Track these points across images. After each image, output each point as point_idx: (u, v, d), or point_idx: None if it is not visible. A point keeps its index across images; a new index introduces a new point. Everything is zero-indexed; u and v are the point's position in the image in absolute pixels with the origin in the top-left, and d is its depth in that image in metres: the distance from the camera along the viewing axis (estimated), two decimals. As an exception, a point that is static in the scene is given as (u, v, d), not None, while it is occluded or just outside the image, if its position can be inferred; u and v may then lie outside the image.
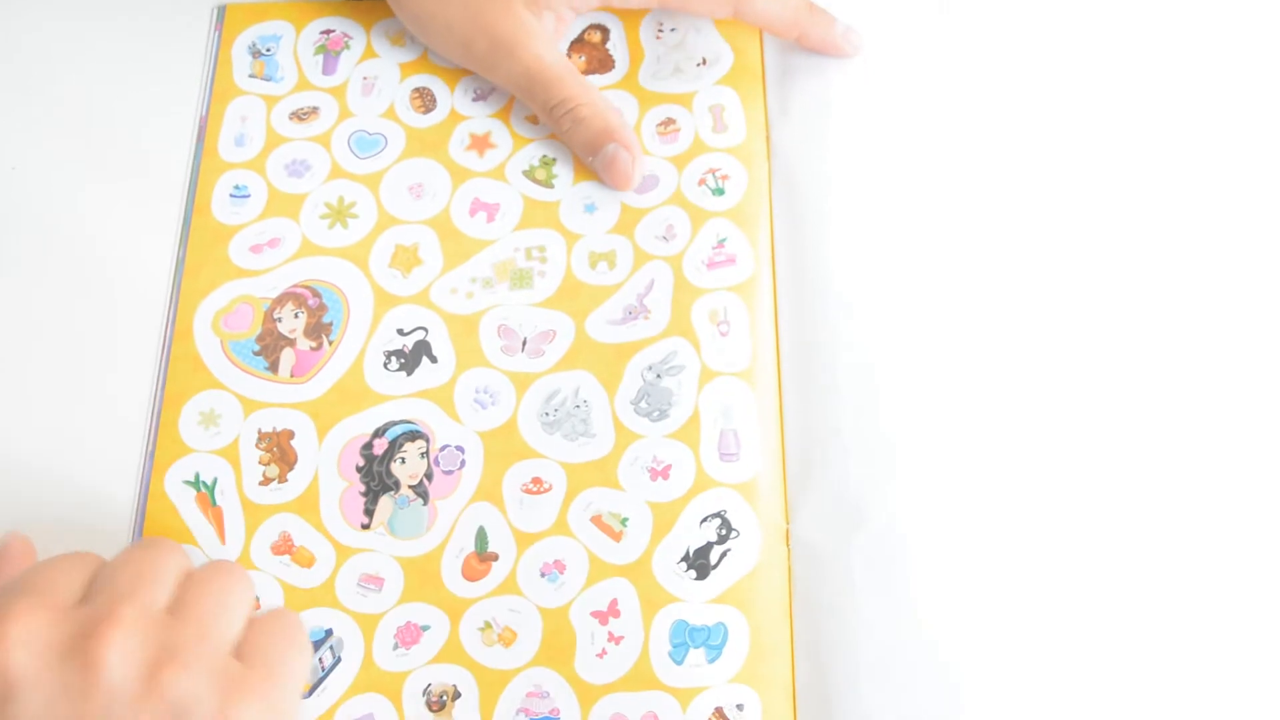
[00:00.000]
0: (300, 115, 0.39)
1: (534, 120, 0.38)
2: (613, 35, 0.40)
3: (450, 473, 0.34)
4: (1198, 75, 0.38)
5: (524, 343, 0.35)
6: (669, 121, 0.38)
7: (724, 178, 0.37)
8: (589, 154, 0.37)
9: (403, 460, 0.34)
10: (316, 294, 0.36)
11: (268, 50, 0.40)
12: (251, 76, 0.39)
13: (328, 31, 0.40)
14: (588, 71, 0.39)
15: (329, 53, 0.40)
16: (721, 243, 0.36)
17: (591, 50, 0.39)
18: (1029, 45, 0.39)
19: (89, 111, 0.39)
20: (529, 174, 0.38)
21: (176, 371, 0.35)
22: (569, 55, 0.39)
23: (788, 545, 0.33)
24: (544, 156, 0.38)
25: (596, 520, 0.33)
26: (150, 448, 0.34)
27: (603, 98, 0.37)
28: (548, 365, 0.35)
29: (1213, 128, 0.37)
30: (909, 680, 0.31)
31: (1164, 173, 0.37)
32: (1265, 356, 0.34)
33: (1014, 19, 0.39)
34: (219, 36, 0.40)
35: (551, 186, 0.37)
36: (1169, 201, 0.37)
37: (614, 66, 0.39)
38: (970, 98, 0.38)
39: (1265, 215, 0.36)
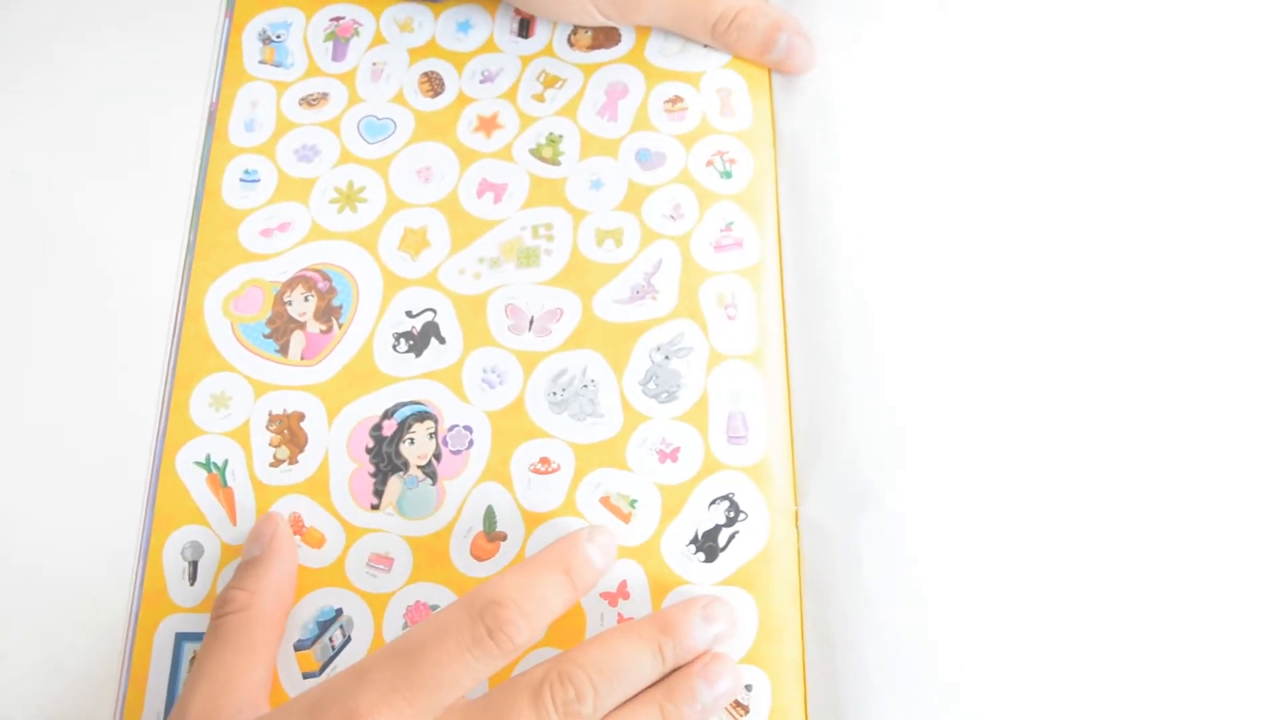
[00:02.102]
0: (310, 101, 0.39)
1: (540, 98, 0.38)
2: None
3: (458, 453, 0.34)
4: (1199, 63, 0.38)
5: (531, 321, 0.35)
6: (676, 99, 0.38)
7: (731, 161, 0.37)
8: (764, 54, 0.38)
9: (411, 441, 0.34)
10: (326, 277, 0.36)
11: (278, 37, 0.40)
12: (262, 63, 0.40)
13: (337, 18, 0.40)
14: (594, 46, 0.39)
15: (339, 39, 0.40)
16: (729, 226, 0.36)
17: (598, 25, 0.39)
18: (1029, 37, 0.38)
19: (100, 98, 0.39)
20: (536, 152, 0.38)
21: (187, 354, 0.35)
22: (574, 31, 0.39)
23: (797, 527, 0.33)
24: (550, 134, 0.38)
25: (605, 501, 0.33)
26: (161, 429, 0.35)
27: None
28: (555, 344, 0.35)
29: (1215, 112, 0.37)
30: (917, 661, 0.31)
31: (1165, 161, 0.36)
32: (1272, 340, 0.34)
33: (1014, 13, 0.39)
34: (229, 23, 0.40)
35: (558, 163, 0.37)
36: (1170, 187, 0.36)
37: (620, 41, 0.39)
38: (972, 88, 0.38)
39: (1271, 204, 0.36)
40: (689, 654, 0.30)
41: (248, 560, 0.32)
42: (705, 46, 0.39)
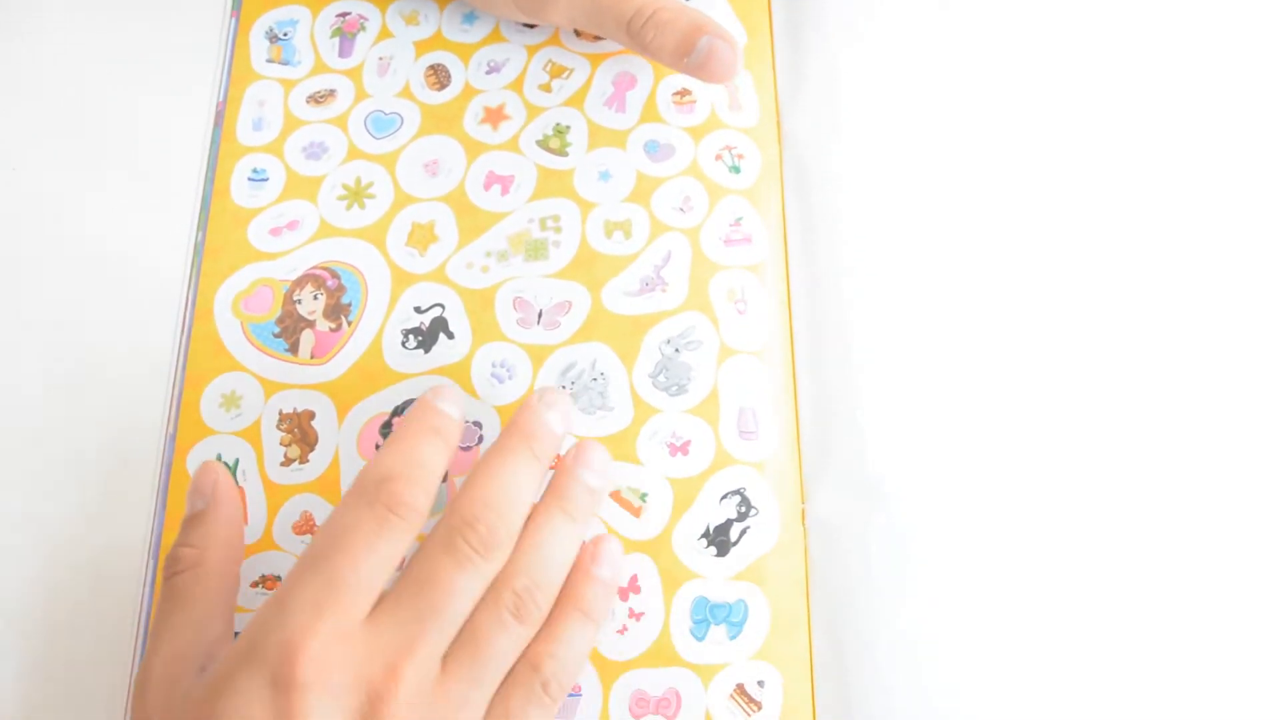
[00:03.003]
0: (317, 98, 0.39)
1: (547, 89, 0.38)
2: None
3: (468, 449, 0.34)
4: (1200, 57, 0.38)
5: (540, 315, 0.35)
6: (685, 92, 0.38)
7: (740, 156, 0.37)
8: (682, 56, 0.34)
9: (420, 437, 0.34)
10: (335, 275, 0.36)
11: (285, 35, 0.40)
12: (269, 61, 0.40)
13: (344, 14, 0.40)
14: (601, 36, 0.39)
15: (345, 35, 0.40)
16: (738, 221, 0.36)
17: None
18: (1031, 34, 0.38)
19: (108, 98, 0.39)
20: (543, 143, 0.37)
21: (197, 354, 0.35)
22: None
23: (804, 525, 0.33)
24: (557, 125, 0.38)
25: (615, 495, 0.33)
26: (172, 430, 0.34)
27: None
28: (564, 337, 0.35)
29: (1214, 108, 0.37)
30: (924, 659, 0.31)
31: (1167, 156, 0.36)
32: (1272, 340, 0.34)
33: (1015, 10, 0.39)
34: (236, 22, 0.40)
35: (565, 155, 0.37)
36: (1172, 178, 0.36)
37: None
38: (975, 85, 0.38)
39: (1271, 204, 0.36)
40: (555, 444, 0.31)
41: (192, 515, 0.31)
42: None
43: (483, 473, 0.29)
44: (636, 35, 0.35)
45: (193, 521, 0.30)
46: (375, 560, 0.27)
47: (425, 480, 0.28)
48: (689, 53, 0.34)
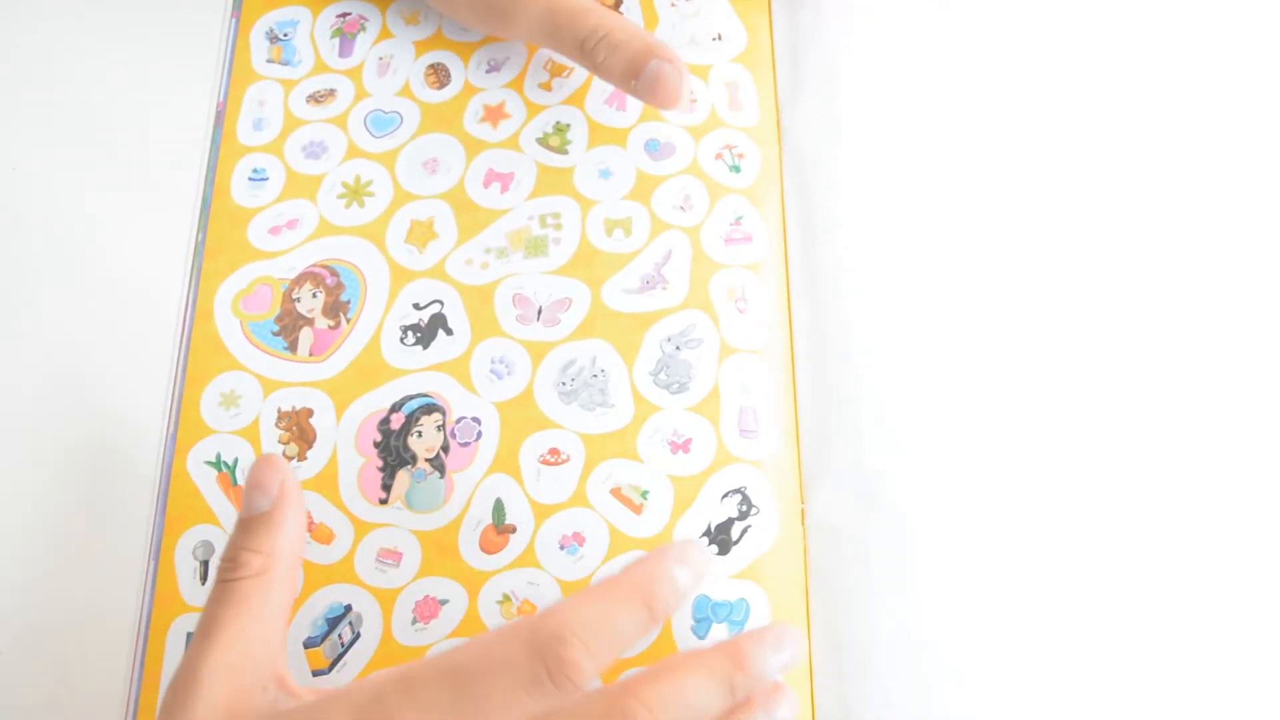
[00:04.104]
0: (317, 98, 0.39)
1: (547, 87, 0.38)
2: (626, 0, 0.39)
3: (467, 445, 0.34)
4: (1194, 59, 0.38)
5: (539, 311, 0.35)
6: (685, 93, 0.38)
7: (740, 156, 0.37)
8: (631, 78, 0.35)
9: (419, 434, 0.34)
10: (334, 273, 0.36)
11: (285, 35, 0.40)
12: (269, 61, 0.40)
13: (344, 15, 0.40)
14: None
15: (345, 35, 0.40)
16: (738, 220, 0.36)
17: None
18: (1030, 34, 0.38)
19: (108, 99, 0.39)
20: (542, 141, 0.37)
21: (197, 353, 0.35)
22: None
23: (803, 524, 0.33)
24: (557, 123, 0.38)
25: (616, 493, 0.33)
26: (172, 429, 0.34)
27: (632, 21, 0.36)
28: (564, 334, 0.35)
29: (1213, 109, 0.37)
30: (924, 659, 0.31)
31: (1167, 157, 0.36)
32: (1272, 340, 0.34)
33: (1015, 10, 0.39)
34: (236, 23, 0.40)
35: (565, 153, 0.37)
36: (1172, 180, 0.36)
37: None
38: (973, 85, 0.38)
39: (1271, 204, 0.36)
40: (759, 685, 0.27)
41: (255, 515, 0.28)
42: (714, 40, 0.38)
43: (675, 674, 0.26)
44: (589, 54, 0.35)
45: (258, 523, 0.28)
46: (509, 706, 0.25)
47: (604, 655, 0.25)
48: (637, 75, 0.34)
